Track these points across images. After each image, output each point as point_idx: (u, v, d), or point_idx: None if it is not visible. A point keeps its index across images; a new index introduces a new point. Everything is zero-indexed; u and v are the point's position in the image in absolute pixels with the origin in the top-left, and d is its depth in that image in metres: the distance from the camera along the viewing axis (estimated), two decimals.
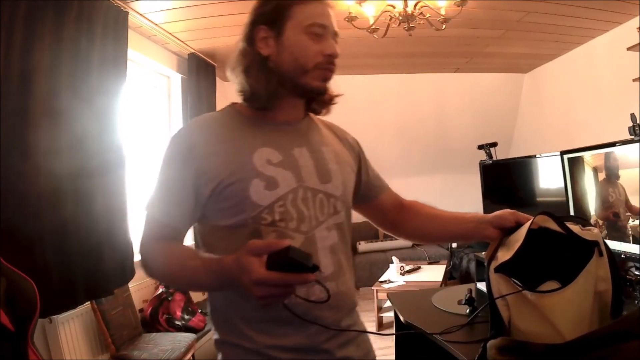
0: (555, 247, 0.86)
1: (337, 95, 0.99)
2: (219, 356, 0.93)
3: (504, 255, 0.88)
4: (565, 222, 0.88)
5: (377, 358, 1.02)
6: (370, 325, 3.61)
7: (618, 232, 1.41)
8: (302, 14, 0.89)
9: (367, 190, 1.10)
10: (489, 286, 0.89)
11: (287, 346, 0.86)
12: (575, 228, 0.87)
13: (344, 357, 0.90)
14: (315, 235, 0.89)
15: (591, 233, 0.87)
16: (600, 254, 0.85)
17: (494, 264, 0.89)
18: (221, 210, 0.88)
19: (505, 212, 0.97)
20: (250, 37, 0.92)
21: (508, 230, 0.94)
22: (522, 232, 0.88)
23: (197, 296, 3.55)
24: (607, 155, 1.45)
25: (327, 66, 0.91)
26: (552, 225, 0.87)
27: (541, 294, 0.81)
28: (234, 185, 0.86)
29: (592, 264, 0.83)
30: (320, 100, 0.99)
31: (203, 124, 0.94)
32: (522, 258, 0.85)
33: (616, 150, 1.40)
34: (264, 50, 0.91)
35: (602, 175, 1.48)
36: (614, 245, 1.41)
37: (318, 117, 1.05)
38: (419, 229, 1.12)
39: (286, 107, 0.95)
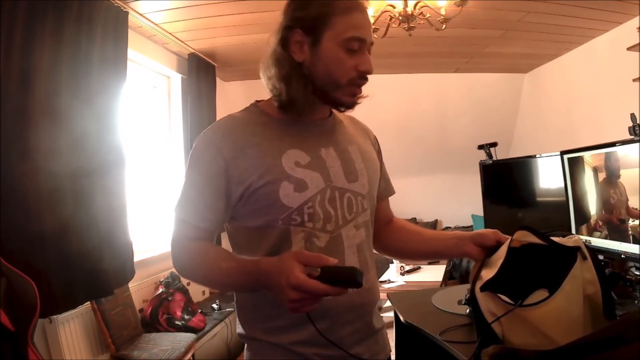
0: (539, 259, 0.87)
1: (361, 97, 0.98)
2: (245, 348, 0.97)
3: (487, 274, 0.88)
4: (546, 235, 0.89)
5: None
6: None
7: (618, 232, 1.41)
8: (342, 25, 0.87)
9: None
10: (475, 306, 0.90)
11: (310, 341, 0.88)
12: (556, 239, 0.88)
13: (359, 352, 0.93)
14: (341, 234, 0.91)
15: (572, 240, 0.88)
16: (584, 258, 0.85)
17: (478, 284, 0.89)
18: (251, 212, 0.89)
19: (487, 231, 0.98)
20: (284, 38, 0.90)
21: (490, 250, 0.94)
22: (504, 250, 0.89)
23: (197, 296, 3.55)
24: (608, 155, 1.44)
25: (359, 81, 0.91)
26: (533, 238, 0.88)
27: (530, 307, 0.81)
28: (263, 188, 0.87)
29: (577, 268, 0.83)
30: None
31: (229, 125, 0.93)
32: (507, 273, 0.86)
33: (618, 151, 1.40)
34: (297, 55, 0.89)
35: (602, 176, 1.48)
36: (614, 245, 1.42)
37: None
38: (400, 241, 1.12)
39: (313, 109, 0.95)
